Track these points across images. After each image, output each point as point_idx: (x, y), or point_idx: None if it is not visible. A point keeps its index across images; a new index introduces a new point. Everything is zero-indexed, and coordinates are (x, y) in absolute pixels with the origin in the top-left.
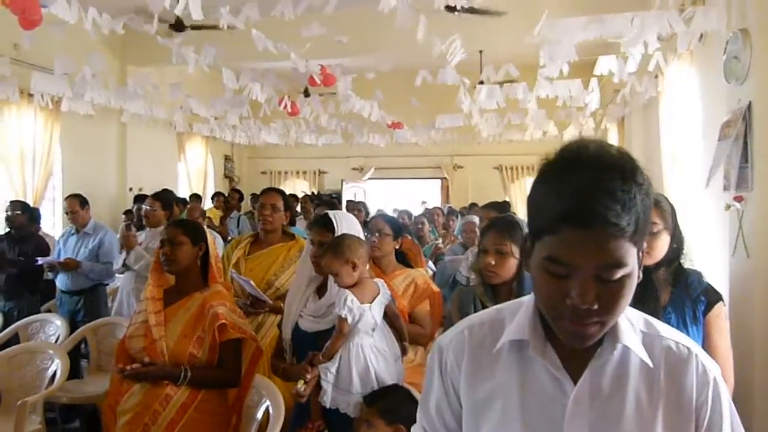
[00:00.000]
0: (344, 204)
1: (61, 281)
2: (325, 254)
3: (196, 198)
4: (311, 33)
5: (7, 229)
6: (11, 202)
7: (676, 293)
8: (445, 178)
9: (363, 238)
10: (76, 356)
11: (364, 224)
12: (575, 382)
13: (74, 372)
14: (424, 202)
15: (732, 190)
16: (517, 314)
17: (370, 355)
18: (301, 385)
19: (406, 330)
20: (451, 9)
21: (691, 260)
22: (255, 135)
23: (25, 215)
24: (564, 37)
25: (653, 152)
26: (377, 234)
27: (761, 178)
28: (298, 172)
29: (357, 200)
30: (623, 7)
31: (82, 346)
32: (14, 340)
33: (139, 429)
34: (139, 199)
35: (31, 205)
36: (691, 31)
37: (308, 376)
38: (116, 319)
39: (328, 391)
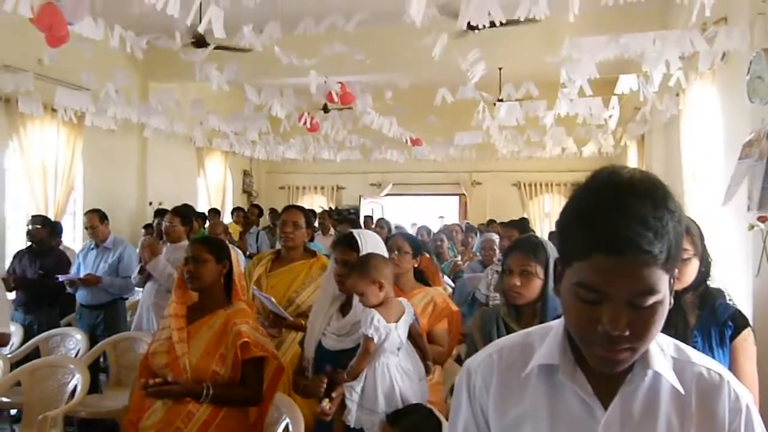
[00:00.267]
0: (362, 219)
1: (81, 296)
2: (351, 274)
3: (216, 213)
4: (332, 50)
5: (29, 243)
6: (32, 216)
7: (704, 317)
8: (464, 194)
9: (387, 256)
10: (95, 370)
11: (385, 241)
12: (605, 408)
13: (93, 386)
14: (441, 217)
15: (755, 210)
16: (547, 338)
17: (396, 374)
18: (326, 404)
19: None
20: (472, 28)
21: (713, 279)
22: (274, 150)
23: (45, 229)
24: (585, 56)
25: (674, 171)
26: (396, 252)
27: None
28: (316, 188)
29: (380, 217)
30: (644, 25)
31: (101, 360)
32: (34, 353)
33: None
34: (160, 213)
35: (53, 219)
36: (714, 50)
37: (333, 395)
38: (136, 333)
39: (352, 410)
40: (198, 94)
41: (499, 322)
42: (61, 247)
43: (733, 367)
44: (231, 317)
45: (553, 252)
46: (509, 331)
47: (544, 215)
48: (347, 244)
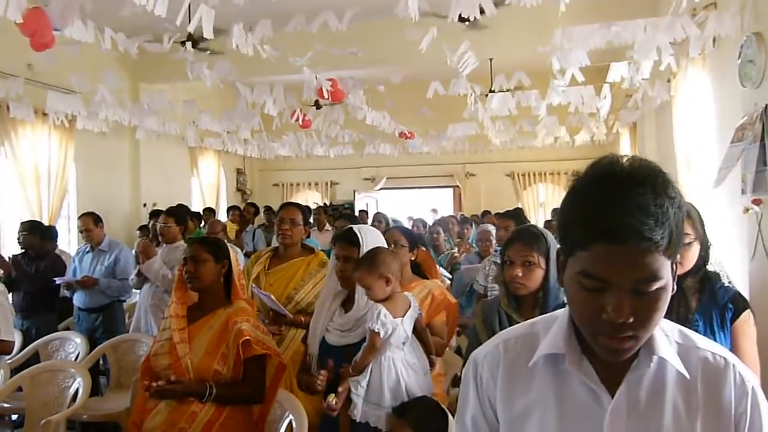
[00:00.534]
0: (357, 214)
1: (78, 299)
2: (358, 268)
3: (211, 212)
4: (323, 46)
5: (23, 249)
6: (21, 223)
7: (704, 300)
8: (458, 186)
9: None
10: (94, 374)
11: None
12: (612, 395)
13: (93, 389)
14: (434, 210)
15: (749, 193)
16: (552, 328)
17: (401, 368)
18: (332, 399)
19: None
20: (463, 20)
21: (712, 263)
22: (267, 148)
23: (34, 235)
24: (576, 44)
25: (667, 156)
26: (393, 245)
27: None
28: (310, 184)
29: (377, 211)
30: (634, 13)
31: (101, 363)
32: (34, 358)
33: None
34: (155, 214)
35: (47, 223)
36: (705, 35)
37: (339, 389)
38: (136, 335)
39: (358, 404)
40: (189, 94)
41: (501, 313)
42: (57, 251)
43: (734, 348)
44: (231, 316)
45: (553, 242)
46: (511, 321)
47: (539, 205)
48: (348, 239)
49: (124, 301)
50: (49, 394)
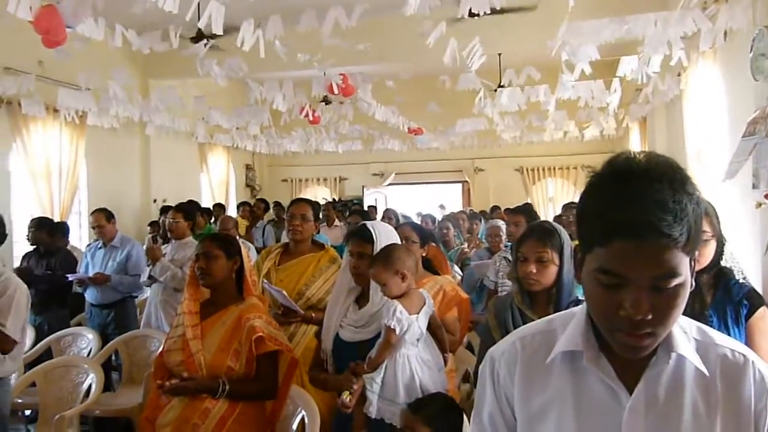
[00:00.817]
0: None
1: (90, 295)
2: (373, 264)
3: (221, 208)
4: (332, 42)
5: (32, 245)
6: (30, 220)
7: (719, 296)
8: (466, 181)
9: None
10: (107, 369)
11: None
12: (630, 392)
13: (105, 385)
14: (442, 206)
15: (762, 187)
16: (569, 325)
17: (416, 365)
18: (346, 396)
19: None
20: (473, 15)
21: (727, 258)
22: (276, 143)
23: (42, 231)
24: (586, 39)
25: (678, 151)
26: (404, 242)
27: None
28: (318, 179)
29: (387, 207)
30: (644, 7)
31: (113, 358)
32: (46, 354)
33: None
34: (166, 210)
35: (59, 219)
36: (715, 29)
37: (354, 387)
38: (147, 331)
39: (373, 401)
40: (198, 90)
41: (514, 309)
42: (68, 247)
43: (749, 345)
44: (244, 312)
45: (566, 237)
46: (524, 317)
47: (548, 199)
48: (361, 236)
49: (136, 297)
50: (63, 389)
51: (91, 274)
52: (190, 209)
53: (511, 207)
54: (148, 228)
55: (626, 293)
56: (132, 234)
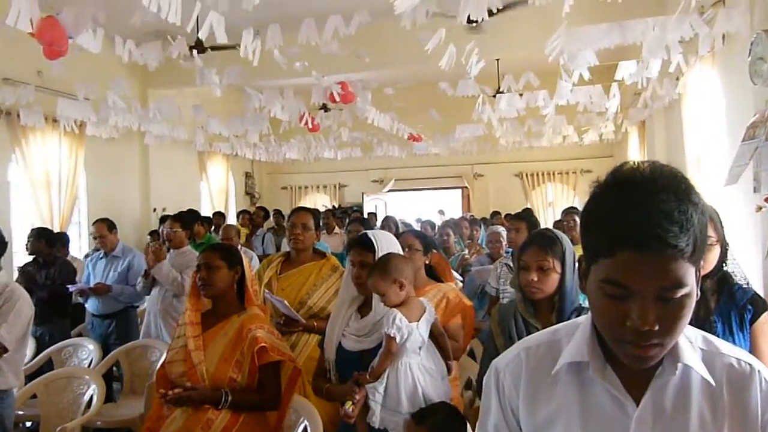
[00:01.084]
0: (365, 217)
1: (92, 305)
2: (371, 274)
3: (221, 216)
4: (331, 50)
5: (31, 255)
6: (30, 230)
7: (722, 301)
8: (466, 187)
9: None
10: (108, 380)
11: None
12: (637, 403)
13: (107, 396)
14: (441, 212)
15: (763, 191)
16: (574, 335)
17: (418, 374)
18: (349, 406)
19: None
20: (470, 21)
21: (729, 263)
22: (275, 151)
23: (40, 242)
24: (584, 44)
25: (676, 155)
26: (407, 249)
27: None
28: (318, 187)
29: (386, 215)
30: (641, 11)
31: (114, 369)
32: (47, 365)
33: None
34: (165, 219)
35: (58, 229)
36: (713, 33)
37: (357, 397)
38: (148, 341)
39: (376, 411)
40: (197, 98)
41: (517, 317)
42: (68, 258)
43: (753, 350)
44: (246, 323)
45: (568, 245)
46: (527, 326)
47: (547, 204)
48: (363, 245)
49: (137, 307)
50: (64, 401)
51: (92, 284)
52: (187, 218)
53: (511, 212)
54: (149, 237)
55: (632, 304)
56: (132, 244)
